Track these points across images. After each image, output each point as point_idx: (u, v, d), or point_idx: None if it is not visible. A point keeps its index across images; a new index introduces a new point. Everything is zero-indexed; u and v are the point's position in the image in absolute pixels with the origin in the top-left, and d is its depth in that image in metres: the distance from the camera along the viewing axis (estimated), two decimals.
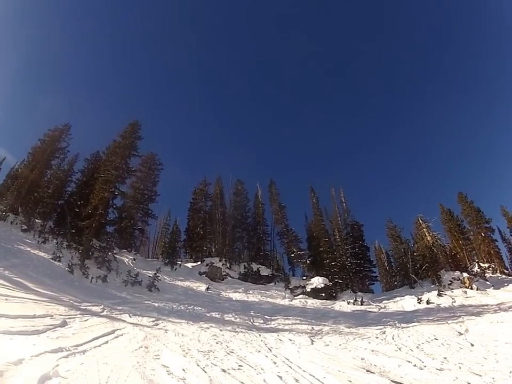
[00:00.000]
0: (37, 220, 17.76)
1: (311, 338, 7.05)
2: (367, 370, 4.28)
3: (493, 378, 3.70)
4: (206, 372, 3.74)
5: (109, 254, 15.59)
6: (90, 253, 14.79)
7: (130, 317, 7.28)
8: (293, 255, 23.53)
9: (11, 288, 6.76)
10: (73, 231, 16.48)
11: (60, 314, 5.65)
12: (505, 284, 16.78)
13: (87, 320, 5.83)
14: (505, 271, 21.97)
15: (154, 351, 4.51)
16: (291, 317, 10.52)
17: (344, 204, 26.51)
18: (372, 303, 15.16)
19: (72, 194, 20.69)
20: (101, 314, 6.92)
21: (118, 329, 5.61)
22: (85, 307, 7.25)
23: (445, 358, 5.11)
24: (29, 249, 12.68)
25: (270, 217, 27.23)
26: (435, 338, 6.92)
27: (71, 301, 7.46)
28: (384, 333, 7.90)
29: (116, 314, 7.28)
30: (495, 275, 20.26)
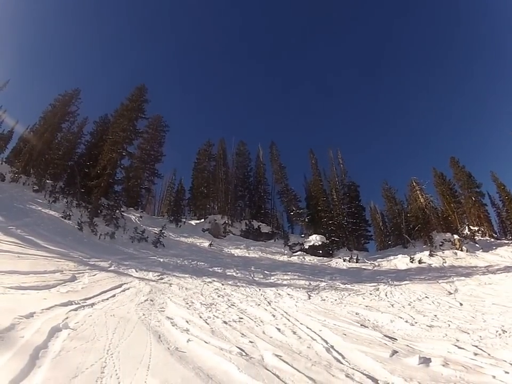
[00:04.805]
0: (48, 181, 18.13)
1: (309, 293, 7.38)
2: (361, 325, 4.47)
3: (480, 336, 3.83)
4: (208, 324, 3.92)
5: (117, 212, 16.02)
6: (99, 211, 15.26)
7: (136, 271, 7.59)
8: (292, 213, 24.19)
9: (23, 246, 6.95)
10: (83, 190, 16.91)
11: (70, 270, 5.87)
12: (494, 247, 17.19)
13: (95, 275, 6.09)
14: (493, 234, 22.60)
15: (159, 304, 4.73)
16: (289, 273, 10.94)
17: (341, 165, 26.74)
18: (367, 261, 15.79)
19: (82, 155, 21.23)
20: (108, 269, 7.20)
21: (124, 283, 5.88)
22: (94, 262, 7.53)
23: (435, 315, 5.33)
24: (40, 208, 12.96)
25: (270, 177, 27.73)
26: (426, 297, 7.24)
27: (80, 257, 7.71)
28: (377, 289, 8.28)
29: (122, 269, 7.58)
30: (484, 238, 20.74)
